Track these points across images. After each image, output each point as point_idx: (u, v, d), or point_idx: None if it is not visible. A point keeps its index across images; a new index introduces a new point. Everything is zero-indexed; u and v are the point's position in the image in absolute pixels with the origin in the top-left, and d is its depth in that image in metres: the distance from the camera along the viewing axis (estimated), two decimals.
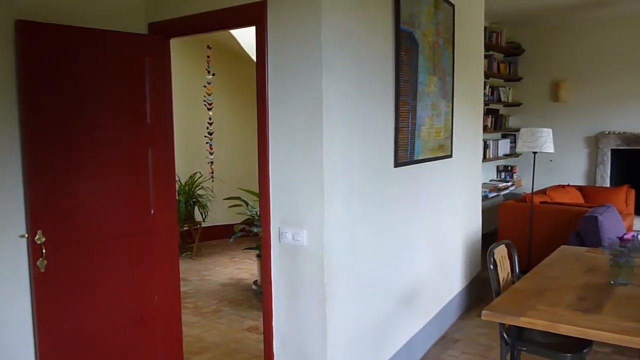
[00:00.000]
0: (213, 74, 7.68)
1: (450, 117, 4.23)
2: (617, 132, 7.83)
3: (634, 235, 4.78)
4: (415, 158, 3.65)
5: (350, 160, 2.95)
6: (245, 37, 6.24)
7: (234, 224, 5.58)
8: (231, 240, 5.39)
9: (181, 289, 3.63)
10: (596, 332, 2.32)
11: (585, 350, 2.85)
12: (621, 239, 4.64)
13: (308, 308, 2.84)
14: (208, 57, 7.60)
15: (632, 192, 7.27)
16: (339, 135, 2.83)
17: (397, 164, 3.41)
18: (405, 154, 3.49)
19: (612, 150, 7.93)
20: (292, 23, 2.73)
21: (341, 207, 2.89)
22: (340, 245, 2.90)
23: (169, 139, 3.42)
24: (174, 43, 3.45)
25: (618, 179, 7.98)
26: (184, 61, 7.21)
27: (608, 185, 7.90)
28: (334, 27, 2.75)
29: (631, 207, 7.22)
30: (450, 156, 4.30)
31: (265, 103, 2.85)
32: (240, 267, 6.55)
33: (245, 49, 6.35)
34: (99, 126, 3.10)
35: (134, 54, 3.22)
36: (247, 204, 5.42)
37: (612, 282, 2.93)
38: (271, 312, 2.98)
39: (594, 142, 8.05)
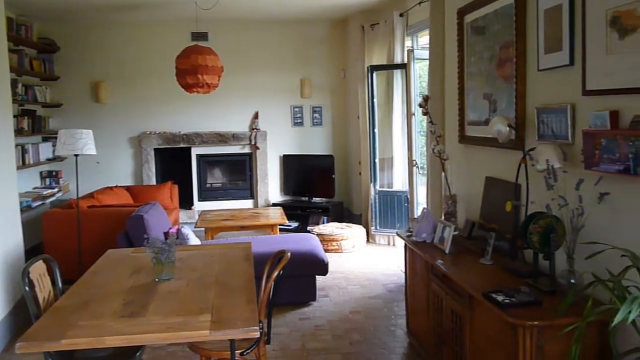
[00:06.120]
0: None
1: None
2: (157, 132, 8.25)
3: (178, 229, 5.07)
4: None
5: None
6: None
7: None
8: None
9: None
10: (141, 336, 2.24)
11: (138, 353, 2.80)
12: (166, 234, 4.86)
13: None
14: None
15: (176, 188, 7.82)
16: None
17: None
18: None
19: (155, 149, 8.34)
20: None
21: None
22: None
23: None
24: None
25: (163, 176, 8.46)
26: None
27: (154, 183, 8.27)
28: None
29: (176, 201, 7.76)
30: None
31: None
32: None
33: None
34: None
35: None
36: None
37: (156, 280, 2.95)
38: None
39: (138, 142, 8.30)
